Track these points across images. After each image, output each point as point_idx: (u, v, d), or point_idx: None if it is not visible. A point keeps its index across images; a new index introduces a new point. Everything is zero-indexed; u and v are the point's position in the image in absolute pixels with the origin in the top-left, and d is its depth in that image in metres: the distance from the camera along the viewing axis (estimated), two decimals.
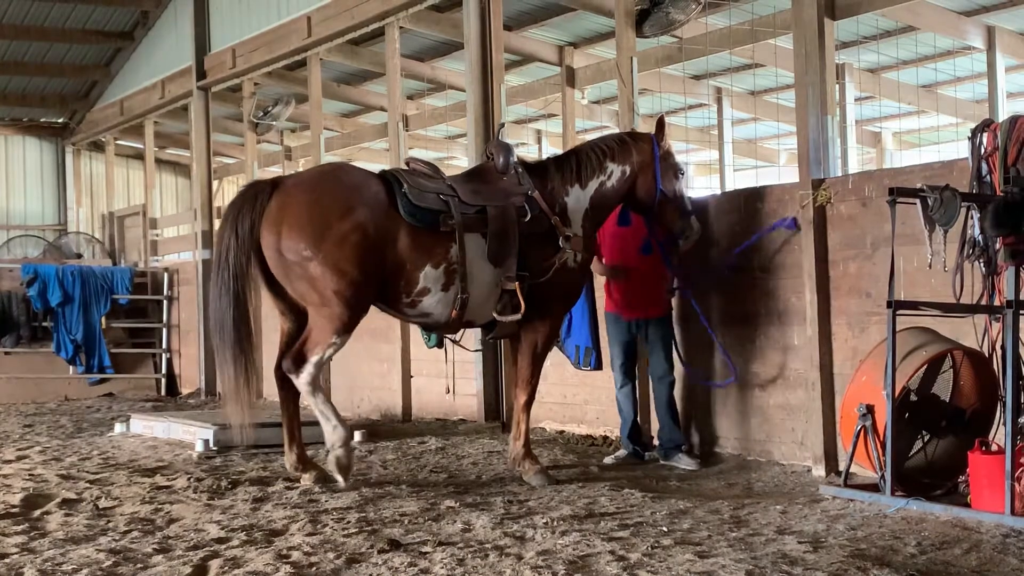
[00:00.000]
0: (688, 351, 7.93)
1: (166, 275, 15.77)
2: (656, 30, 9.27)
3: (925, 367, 5.97)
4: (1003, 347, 5.57)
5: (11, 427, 10.64)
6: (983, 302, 5.91)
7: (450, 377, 8.35)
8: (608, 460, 7.75)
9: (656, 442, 7.90)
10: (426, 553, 4.68)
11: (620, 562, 4.48)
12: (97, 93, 18.38)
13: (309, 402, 6.42)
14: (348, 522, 5.39)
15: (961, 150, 6.41)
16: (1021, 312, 5.46)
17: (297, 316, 6.59)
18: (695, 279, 7.79)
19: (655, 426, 7.99)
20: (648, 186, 7.10)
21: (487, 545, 4.83)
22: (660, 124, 7.23)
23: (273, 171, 16.30)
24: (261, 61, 13.57)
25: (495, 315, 6.71)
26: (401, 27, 11.26)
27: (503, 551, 4.70)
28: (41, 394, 14.42)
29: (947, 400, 6.17)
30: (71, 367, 14.86)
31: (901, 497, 5.71)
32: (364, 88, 14.95)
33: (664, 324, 7.71)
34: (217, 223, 12.84)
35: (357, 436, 8.88)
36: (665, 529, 5.20)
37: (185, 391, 15.20)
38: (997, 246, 5.71)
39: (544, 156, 14.11)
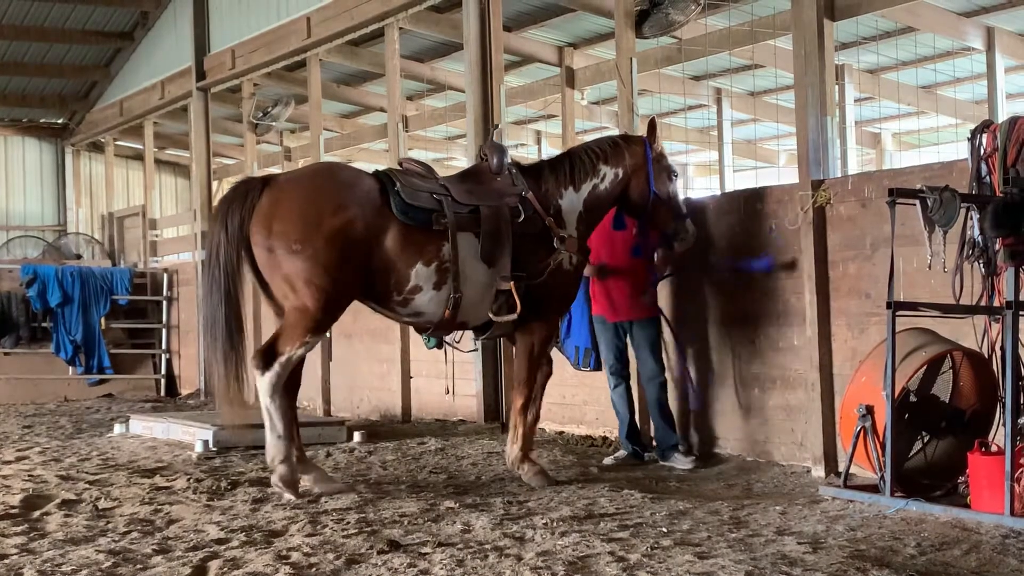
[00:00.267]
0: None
1: (166, 276, 15.77)
2: (656, 31, 9.26)
3: (925, 368, 5.97)
4: (1003, 348, 5.57)
5: (10, 428, 10.64)
6: (983, 303, 5.91)
7: (450, 378, 8.34)
8: (607, 461, 7.75)
9: (654, 443, 7.91)
10: (426, 554, 4.68)
11: (620, 563, 4.48)
12: (97, 94, 18.39)
13: (265, 403, 6.21)
14: (348, 523, 5.39)
15: (961, 151, 6.41)
16: (1021, 313, 5.46)
17: None
18: (677, 282, 7.82)
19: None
20: (641, 188, 7.09)
21: (487, 546, 4.83)
22: (652, 126, 7.22)
23: (273, 172, 16.28)
24: (261, 62, 13.57)
25: (491, 315, 6.69)
26: (401, 28, 11.27)
27: (503, 552, 4.70)
28: (40, 395, 14.42)
29: (947, 401, 6.17)
30: (70, 368, 14.86)
31: (901, 498, 5.71)
32: (364, 89, 14.95)
33: (649, 325, 7.69)
34: None
35: (357, 436, 8.90)
36: (665, 530, 5.20)
37: (184, 392, 15.20)
38: (996, 247, 5.70)
39: (544, 157, 14.10)
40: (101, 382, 15.05)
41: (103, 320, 14.99)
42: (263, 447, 6.40)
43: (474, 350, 8.62)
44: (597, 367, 7.95)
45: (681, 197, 7.48)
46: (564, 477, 6.97)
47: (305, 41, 12.52)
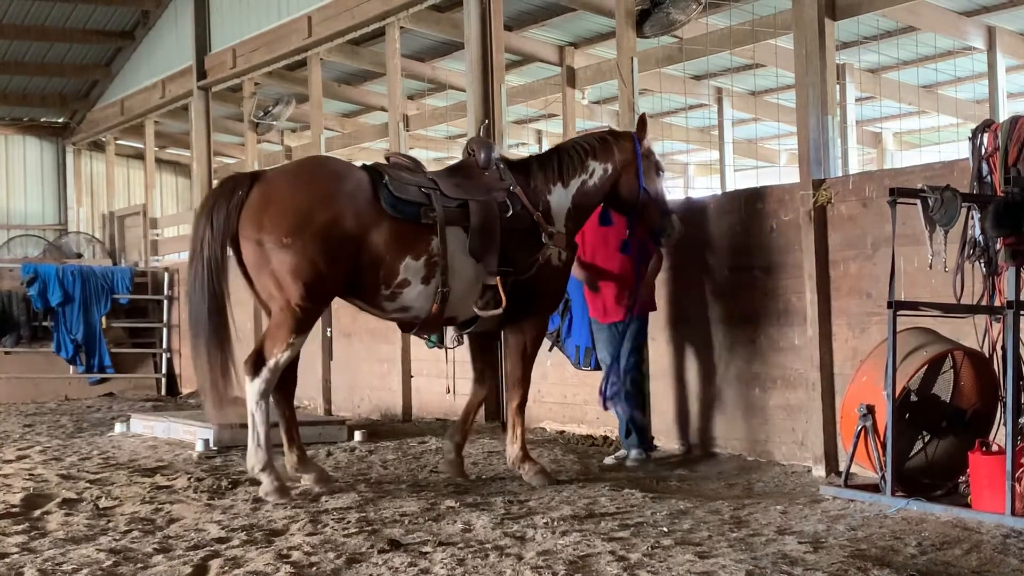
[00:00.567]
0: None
1: (166, 275, 15.77)
2: (656, 30, 9.27)
3: (925, 367, 5.97)
4: (1003, 347, 5.57)
5: (11, 427, 10.64)
6: (983, 303, 5.91)
7: (450, 377, 8.34)
8: (608, 460, 7.74)
9: (655, 442, 7.91)
10: (426, 553, 4.68)
11: (620, 562, 4.48)
12: (97, 93, 18.39)
13: (250, 408, 6.17)
14: (348, 522, 5.39)
15: (962, 150, 6.41)
16: (1021, 313, 5.46)
17: None
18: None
19: (655, 426, 7.99)
20: (631, 184, 7.07)
21: (487, 545, 4.83)
22: (642, 122, 7.22)
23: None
24: (261, 61, 13.58)
25: (476, 310, 6.66)
26: (401, 27, 11.27)
27: (503, 551, 4.70)
28: (41, 394, 14.41)
29: (947, 400, 6.17)
30: (71, 367, 14.85)
31: (901, 497, 5.71)
32: (364, 88, 14.96)
33: (635, 322, 7.65)
34: None
35: (357, 436, 8.90)
36: (665, 529, 5.20)
37: (185, 391, 15.19)
38: (998, 246, 5.70)
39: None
40: (102, 381, 15.05)
41: (104, 319, 14.99)
42: None
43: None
44: (597, 367, 7.94)
45: (668, 195, 7.47)
46: (565, 476, 6.97)
47: (306, 40, 12.52)
